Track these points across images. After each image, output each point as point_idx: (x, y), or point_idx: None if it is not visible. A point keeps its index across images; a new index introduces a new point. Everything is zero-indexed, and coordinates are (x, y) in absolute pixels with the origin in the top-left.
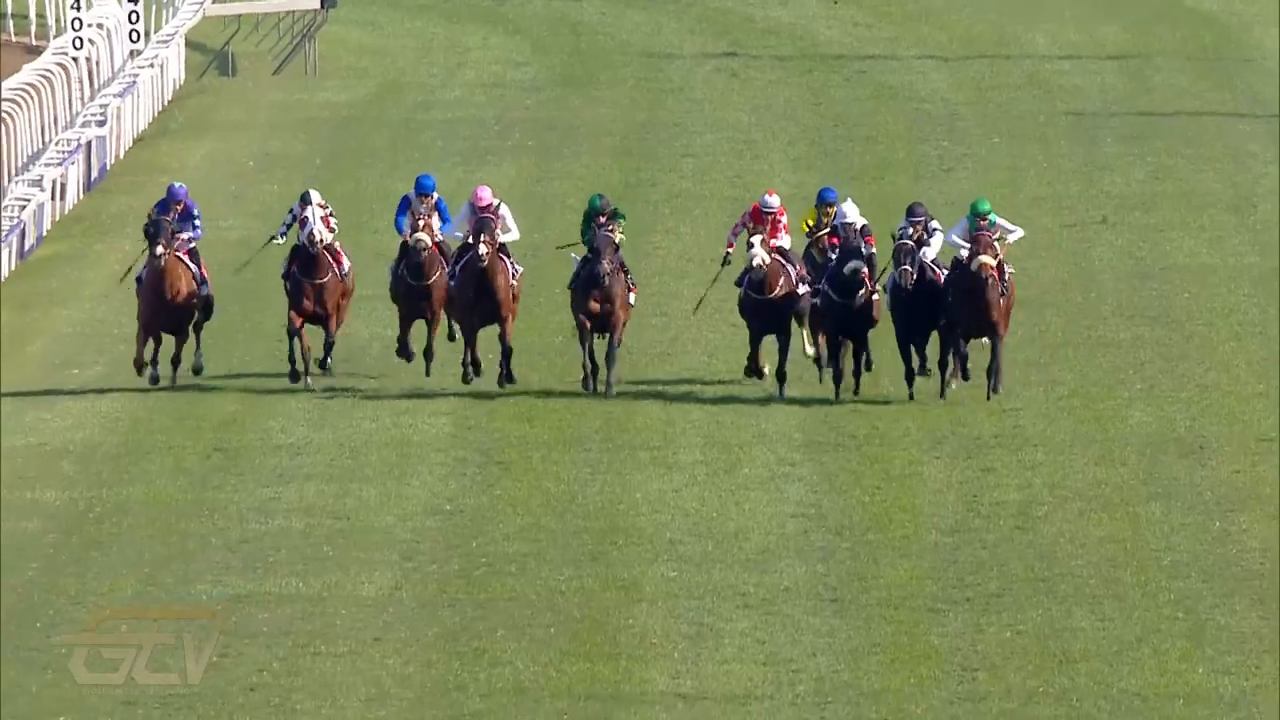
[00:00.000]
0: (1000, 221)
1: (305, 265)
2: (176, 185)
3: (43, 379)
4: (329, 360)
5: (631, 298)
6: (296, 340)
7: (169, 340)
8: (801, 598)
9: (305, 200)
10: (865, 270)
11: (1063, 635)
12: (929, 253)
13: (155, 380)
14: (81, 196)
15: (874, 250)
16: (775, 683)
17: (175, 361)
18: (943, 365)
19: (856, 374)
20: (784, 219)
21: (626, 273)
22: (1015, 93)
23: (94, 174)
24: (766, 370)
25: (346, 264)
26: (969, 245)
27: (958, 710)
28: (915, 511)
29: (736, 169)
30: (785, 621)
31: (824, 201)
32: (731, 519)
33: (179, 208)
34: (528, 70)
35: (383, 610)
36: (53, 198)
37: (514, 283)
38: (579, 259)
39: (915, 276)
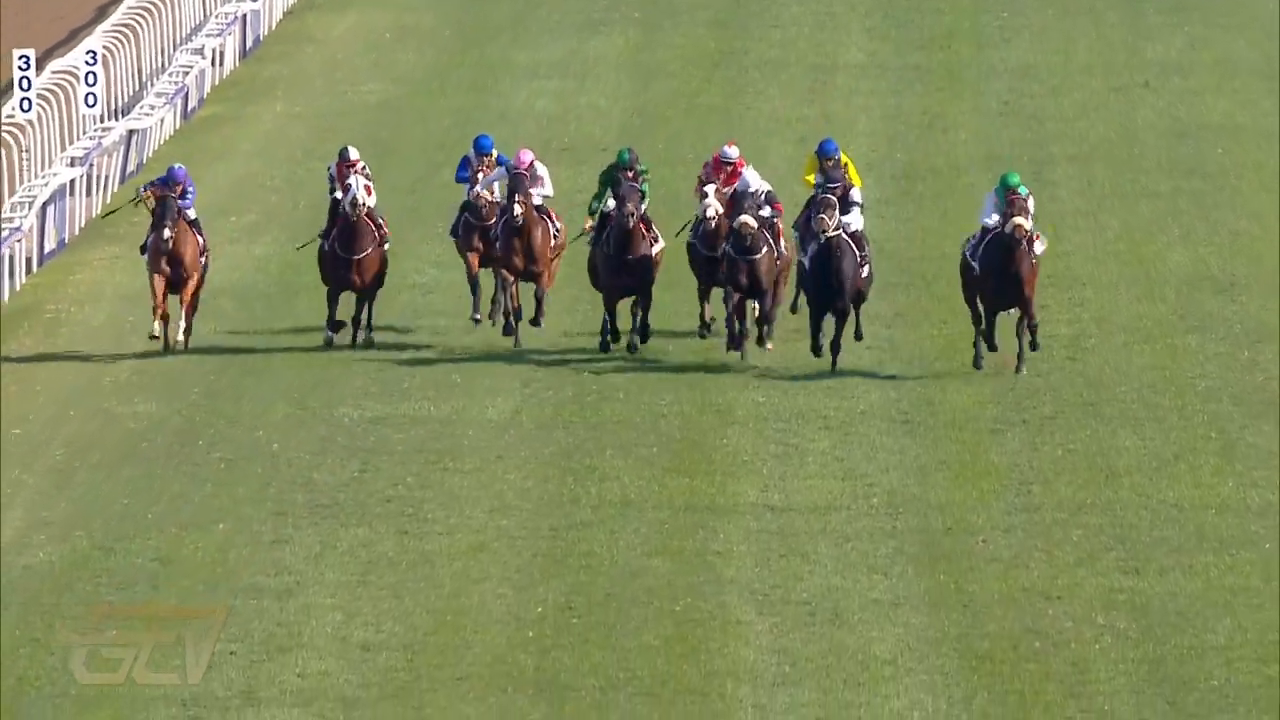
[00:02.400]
0: (1030, 202)
1: (345, 238)
2: (176, 167)
3: (204, 226)
4: (370, 331)
5: (655, 249)
6: (334, 307)
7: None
8: (876, 420)
9: (344, 158)
10: (754, 225)
11: (1108, 453)
12: (850, 220)
13: (165, 342)
14: (237, 64)
15: (779, 214)
16: (852, 495)
17: (185, 329)
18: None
19: (761, 337)
20: (744, 169)
21: (649, 225)
22: None
23: (249, 43)
24: (712, 322)
25: (386, 230)
26: (1001, 214)
27: (1014, 520)
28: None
29: (818, 39)
30: (861, 441)
31: (824, 154)
32: (809, 359)
33: (178, 189)
34: None
35: (504, 431)
36: (212, 64)
37: (554, 240)
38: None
39: (833, 226)
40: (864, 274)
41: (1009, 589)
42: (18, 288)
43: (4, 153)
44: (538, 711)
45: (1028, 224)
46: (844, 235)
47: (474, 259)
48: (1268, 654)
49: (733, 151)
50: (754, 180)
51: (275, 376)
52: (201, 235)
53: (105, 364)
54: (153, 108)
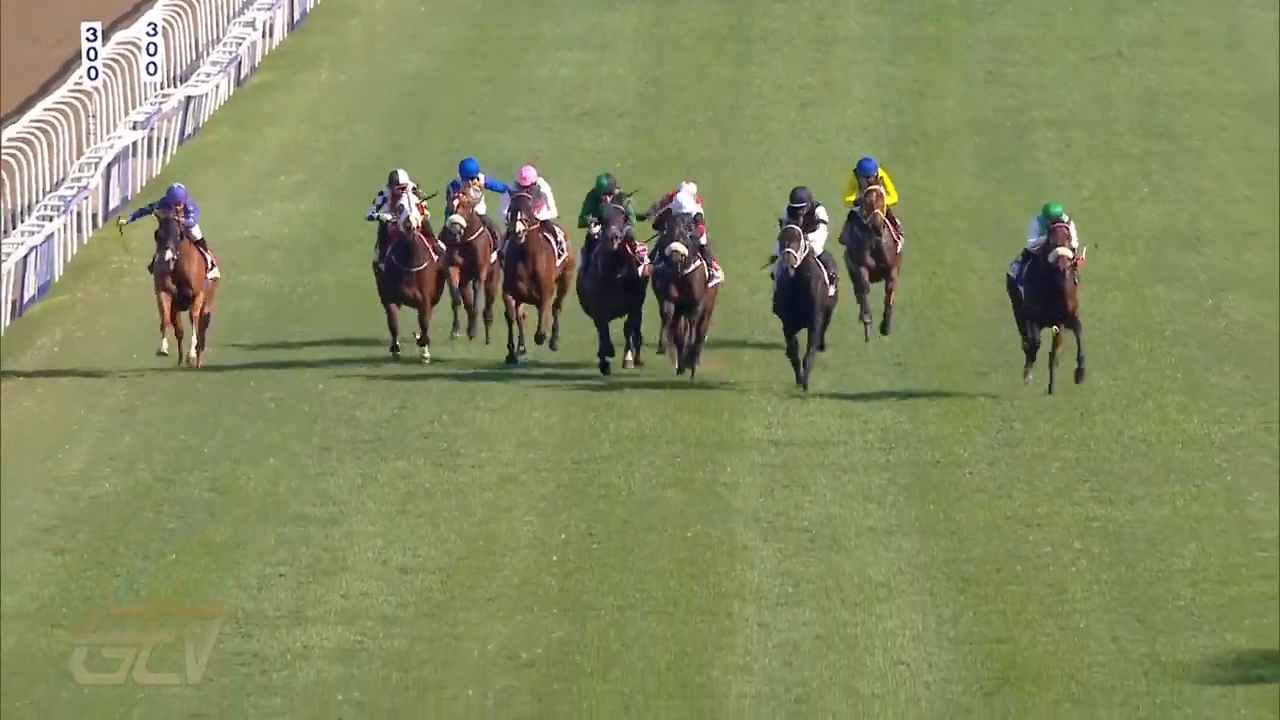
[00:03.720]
0: (1073, 228)
1: (403, 253)
2: (176, 187)
3: (255, 185)
4: (427, 347)
5: (641, 271)
6: (394, 320)
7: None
8: (871, 362)
9: (393, 181)
10: (685, 253)
11: (1083, 392)
12: (815, 242)
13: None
14: (286, 35)
15: (704, 240)
16: (849, 431)
17: (196, 345)
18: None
19: (692, 354)
20: (679, 192)
21: (633, 247)
22: None
23: (296, 16)
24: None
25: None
26: (1045, 239)
27: (998, 454)
28: (964, 292)
29: (818, 12)
30: (857, 381)
31: (864, 172)
32: None
33: (179, 208)
34: None
35: (531, 373)
36: (263, 36)
37: (560, 258)
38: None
39: (799, 260)
40: (830, 294)
41: (993, 517)
42: (85, 241)
43: (73, 117)
44: (561, 629)
45: (1069, 253)
46: (814, 260)
47: (454, 273)
48: (1229, 576)
49: (691, 187)
50: (687, 203)
51: (321, 322)
52: (208, 254)
53: None
54: (208, 75)
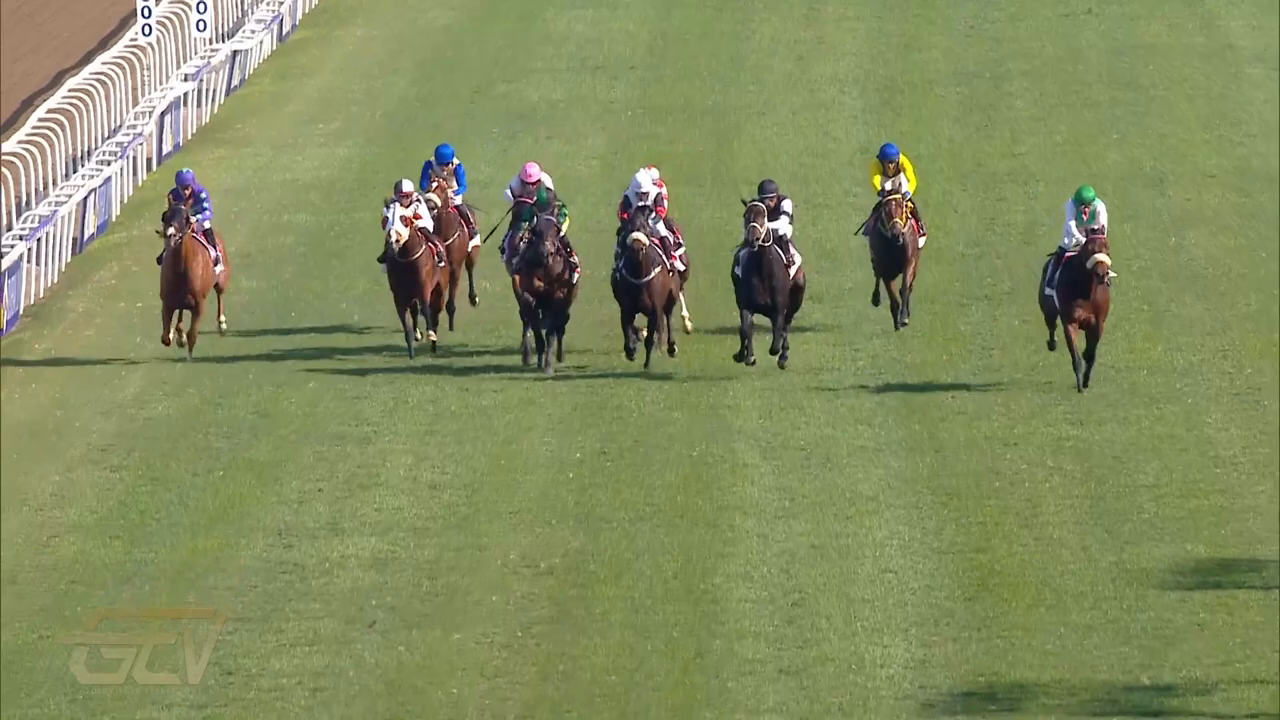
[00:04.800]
0: (1101, 214)
1: (399, 248)
2: (185, 171)
3: (295, 132)
4: (434, 332)
5: (575, 277)
6: (407, 318)
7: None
8: (862, 294)
9: (399, 191)
10: (645, 242)
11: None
12: (779, 227)
13: (182, 344)
14: None
15: (663, 219)
16: (841, 358)
17: (191, 339)
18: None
19: (649, 343)
20: (664, 195)
21: (570, 253)
22: None
23: None
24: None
25: (441, 251)
26: (1081, 239)
27: (978, 379)
28: (947, 229)
29: None
30: (849, 312)
31: (885, 158)
32: (810, 236)
33: (188, 192)
34: None
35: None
36: None
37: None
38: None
39: (763, 234)
40: (792, 276)
41: (973, 437)
42: (140, 183)
43: (130, 70)
44: (577, 539)
45: (1108, 261)
46: (775, 244)
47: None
48: (1189, 490)
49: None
50: (645, 182)
51: (356, 257)
52: (215, 247)
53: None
54: (253, 32)
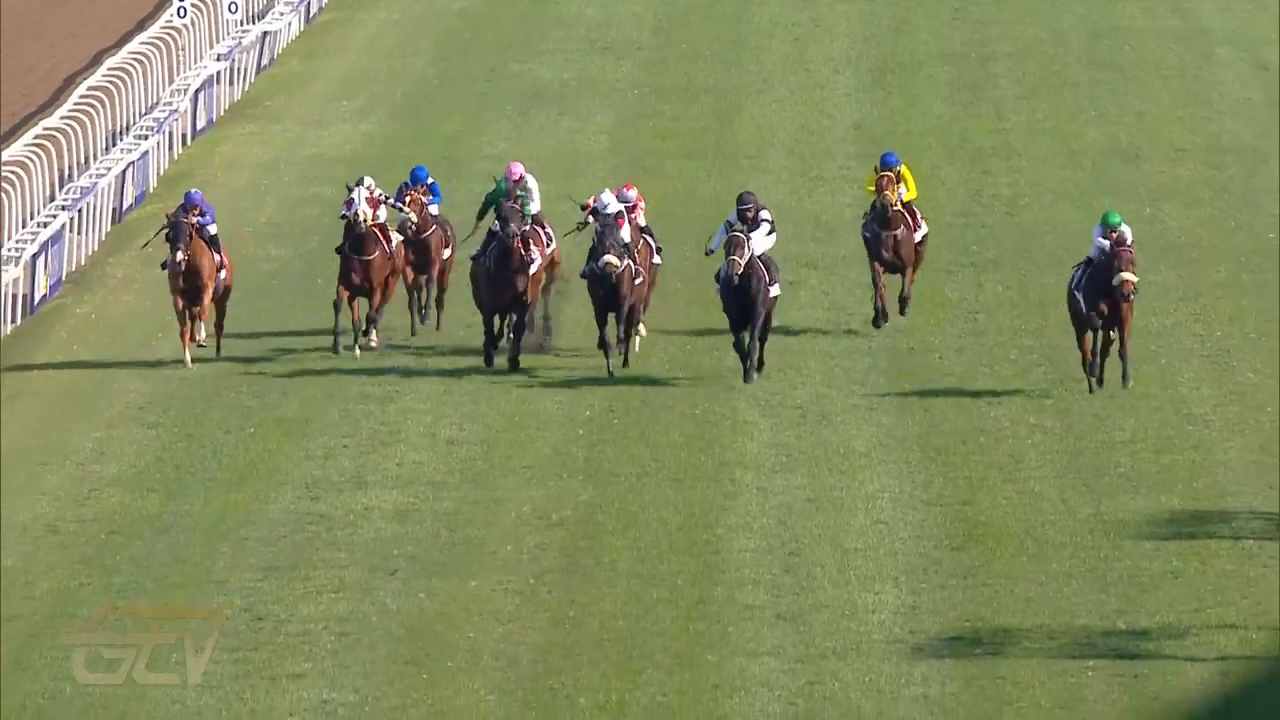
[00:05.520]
0: (1126, 229)
1: (355, 242)
2: (194, 192)
3: (321, 109)
4: (373, 333)
5: (533, 269)
6: (341, 313)
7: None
8: (854, 263)
9: (360, 182)
10: (619, 265)
11: (1038, 288)
12: (757, 243)
13: (193, 336)
14: None
15: (627, 236)
16: (836, 322)
17: (217, 334)
18: (1105, 353)
19: (624, 346)
20: (641, 203)
21: (527, 246)
22: None
23: None
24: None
25: (395, 240)
26: (1109, 258)
27: (964, 342)
28: (935, 201)
29: None
30: (843, 279)
31: (886, 165)
32: (806, 208)
33: (195, 210)
34: None
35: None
36: None
37: (548, 249)
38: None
39: (743, 268)
40: (771, 294)
41: (959, 396)
42: (175, 157)
43: (165, 50)
44: (586, 493)
45: (1134, 279)
46: (756, 261)
47: (408, 271)
48: (1163, 446)
49: (630, 194)
50: (611, 202)
51: None
52: (220, 252)
53: (245, 217)
54: (282, 14)
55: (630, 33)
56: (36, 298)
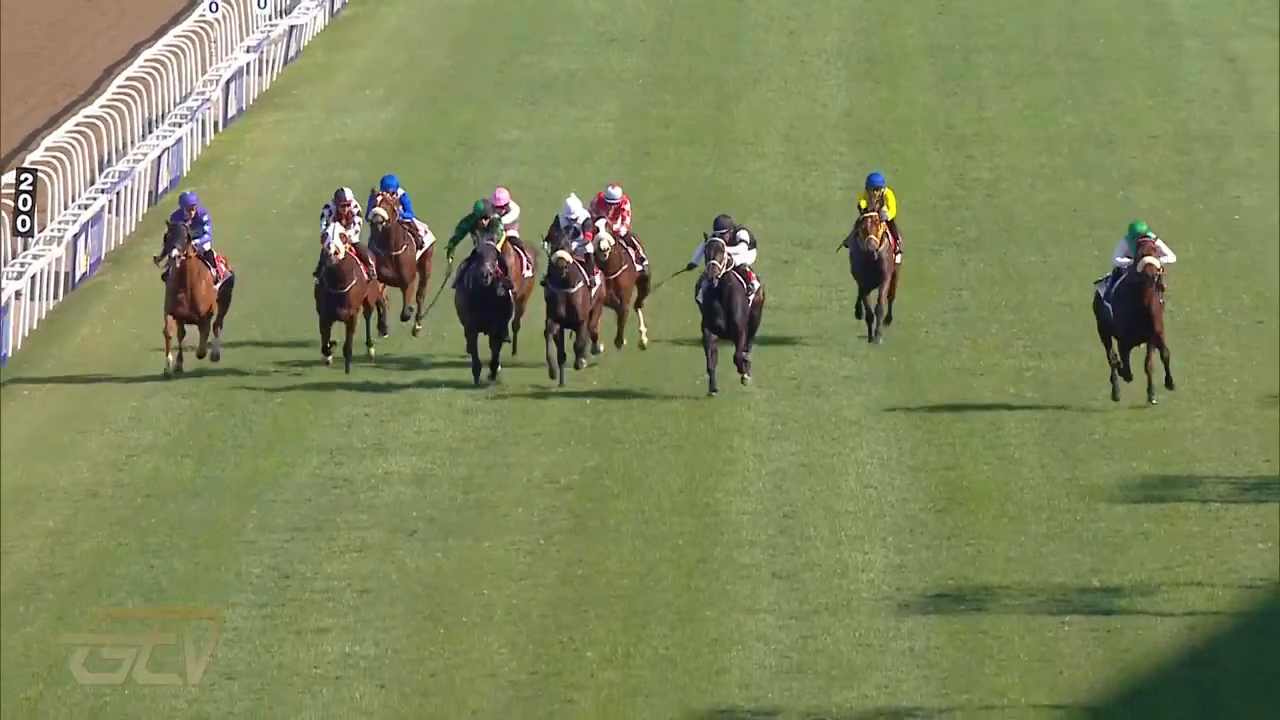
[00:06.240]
0: (1160, 244)
1: (330, 275)
2: (189, 194)
3: (345, 97)
4: (370, 347)
5: (512, 292)
6: (329, 335)
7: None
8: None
9: (339, 199)
10: (570, 260)
11: (1018, 265)
12: (737, 256)
13: (179, 369)
14: None
15: (590, 244)
16: (827, 298)
17: (199, 354)
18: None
19: (578, 351)
20: (627, 207)
21: (505, 268)
22: None
23: None
24: (600, 347)
25: (374, 268)
26: (1132, 257)
27: (948, 316)
28: (920, 184)
29: None
30: (834, 258)
31: (871, 185)
32: (801, 191)
33: (191, 213)
34: None
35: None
36: None
37: (526, 274)
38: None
39: (723, 270)
40: (753, 302)
41: (944, 368)
42: (208, 143)
43: (198, 42)
44: (593, 459)
45: (1158, 263)
46: (734, 272)
47: (381, 288)
48: (1135, 415)
49: (616, 192)
50: (576, 208)
51: None
52: (215, 267)
53: (273, 199)
54: (307, 8)
55: (634, 26)
56: (77, 275)
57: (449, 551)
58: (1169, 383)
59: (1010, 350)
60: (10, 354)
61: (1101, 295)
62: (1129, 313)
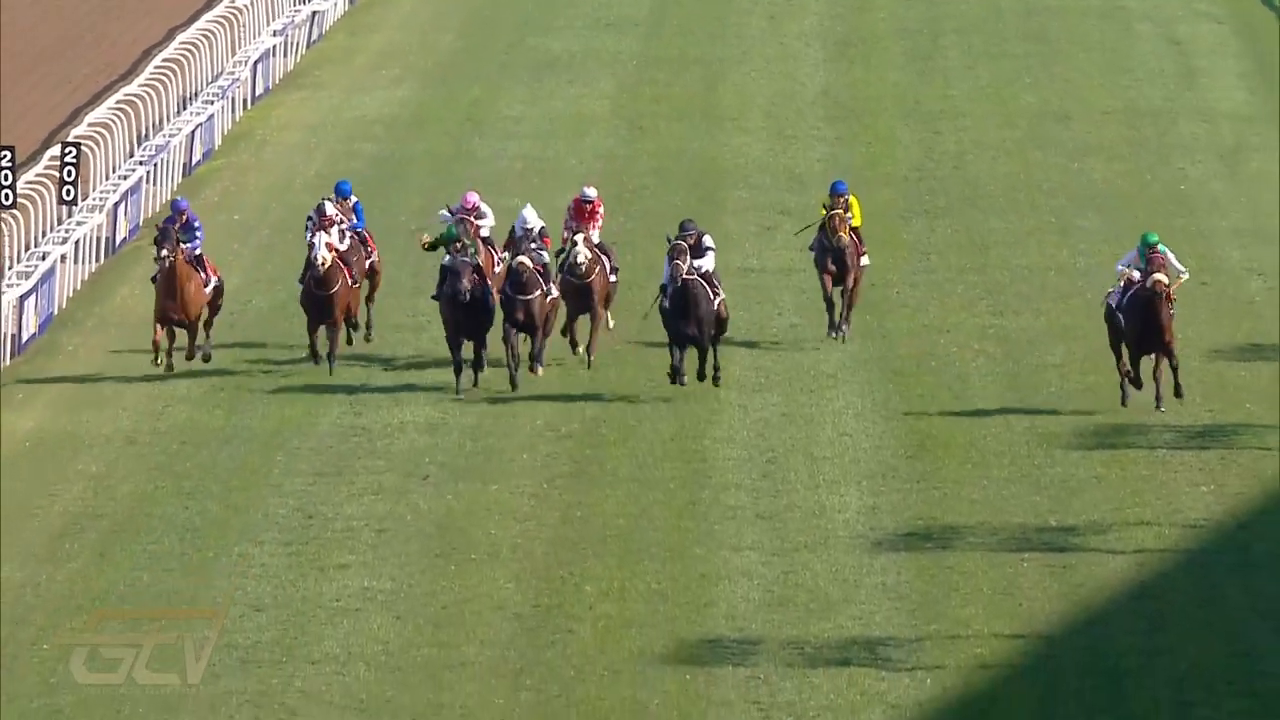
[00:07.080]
0: (1170, 255)
1: (316, 279)
2: (180, 199)
3: (363, 77)
4: (335, 358)
5: (490, 301)
6: (318, 337)
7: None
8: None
9: (320, 211)
10: (530, 265)
11: (982, 232)
12: (703, 264)
13: (170, 368)
14: None
15: (546, 251)
16: (806, 261)
17: (189, 356)
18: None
19: (534, 356)
20: (601, 209)
21: (484, 281)
22: None
23: None
24: (580, 349)
25: (354, 273)
26: (1143, 268)
27: (917, 278)
28: (893, 158)
29: None
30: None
31: (834, 192)
32: (782, 163)
33: (183, 218)
34: None
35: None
36: None
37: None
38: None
39: (685, 268)
40: (716, 308)
41: (913, 325)
42: (237, 119)
43: (228, 27)
44: (591, 409)
45: (1166, 280)
46: (698, 279)
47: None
48: (1089, 369)
49: (591, 192)
50: (531, 218)
51: (411, 181)
52: (204, 271)
53: (296, 170)
54: None
55: (630, 11)
56: (118, 240)
57: (459, 494)
58: (1177, 391)
59: (975, 309)
60: (56, 312)
61: (1113, 306)
62: (1140, 325)
